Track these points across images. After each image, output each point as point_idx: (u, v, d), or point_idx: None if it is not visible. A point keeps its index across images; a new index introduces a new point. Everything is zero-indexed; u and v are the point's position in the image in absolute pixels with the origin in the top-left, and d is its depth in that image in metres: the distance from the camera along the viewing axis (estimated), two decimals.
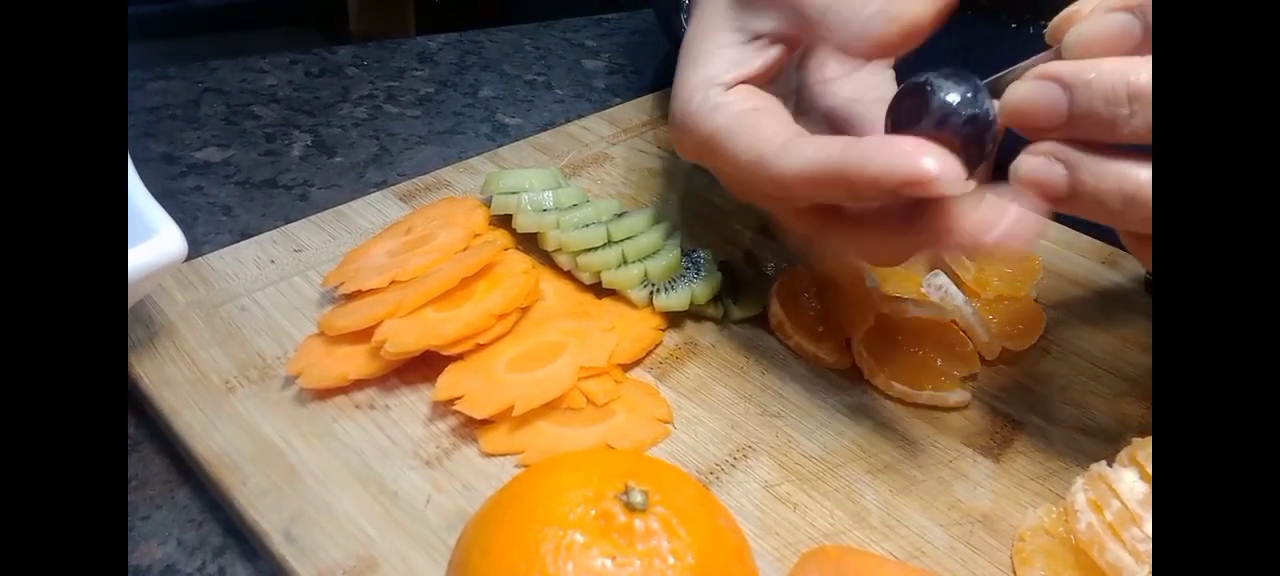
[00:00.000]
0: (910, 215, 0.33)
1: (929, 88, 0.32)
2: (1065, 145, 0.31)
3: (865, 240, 0.35)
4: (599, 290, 0.45)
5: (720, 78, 0.37)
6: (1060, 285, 0.50)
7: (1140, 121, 0.29)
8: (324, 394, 0.38)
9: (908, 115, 0.32)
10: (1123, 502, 0.33)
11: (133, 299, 0.36)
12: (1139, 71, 0.29)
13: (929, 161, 0.30)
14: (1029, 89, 0.31)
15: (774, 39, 0.37)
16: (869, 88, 0.41)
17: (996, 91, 0.32)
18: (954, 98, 0.31)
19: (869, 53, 0.34)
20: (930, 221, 0.33)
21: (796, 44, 0.38)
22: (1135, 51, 0.29)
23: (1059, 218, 0.55)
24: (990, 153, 0.32)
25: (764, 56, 0.38)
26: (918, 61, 0.34)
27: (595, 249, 0.45)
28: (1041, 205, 0.32)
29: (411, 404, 0.39)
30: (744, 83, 0.37)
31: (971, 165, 0.32)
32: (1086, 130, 0.30)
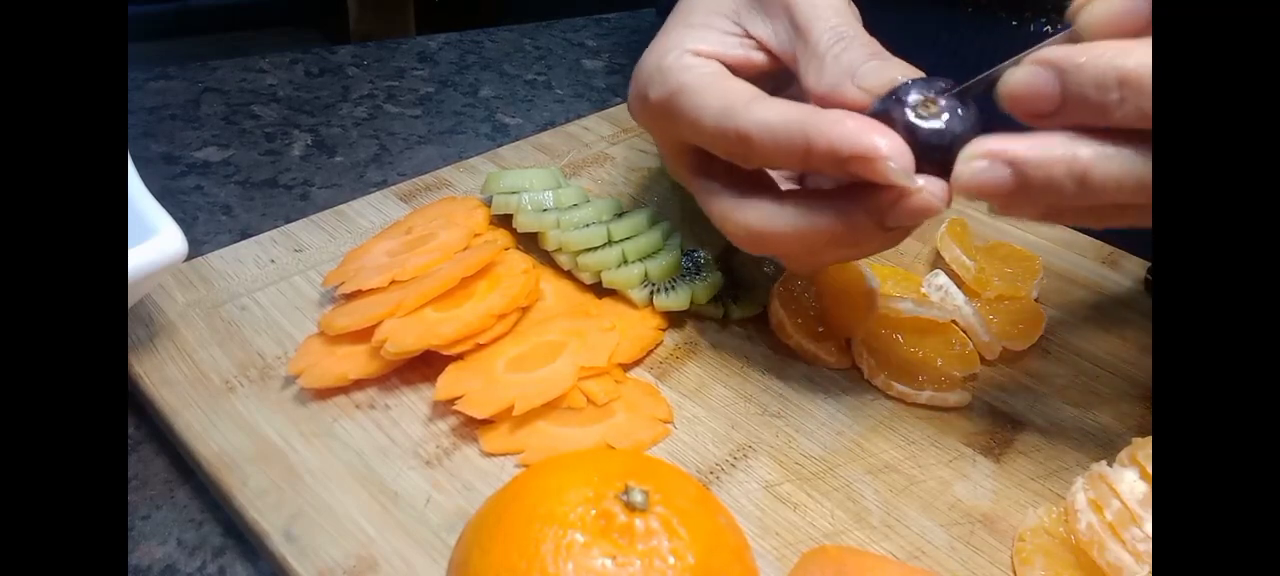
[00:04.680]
0: (844, 202, 0.34)
1: (900, 102, 0.32)
2: (1004, 139, 0.31)
3: (788, 223, 0.35)
4: (599, 290, 0.45)
5: (694, 46, 0.38)
6: (1060, 285, 0.50)
7: (1131, 107, 0.28)
8: (324, 394, 0.38)
9: (893, 113, 0.33)
10: (1123, 502, 0.33)
11: (133, 299, 0.36)
12: (1128, 56, 0.28)
13: (881, 141, 0.31)
14: (1024, 74, 0.31)
15: (763, 47, 0.38)
16: None
17: (990, 85, 0.32)
18: (923, 113, 0.32)
19: (836, 108, 0.34)
20: (859, 215, 0.33)
21: (779, 65, 0.38)
22: (1143, 33, 0.29)
23: None
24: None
25: (746, 54, 0.38)
26: (918, 62, 0.34)
27: (595, 249, 0.45)
28: (1002, 207, 0.32)
29: (411, 404, 0.39)
30: (717, 60, 0.38)
31: (938, 170, 0.32)
32: (1079, 115, 0.30)
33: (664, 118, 0.38)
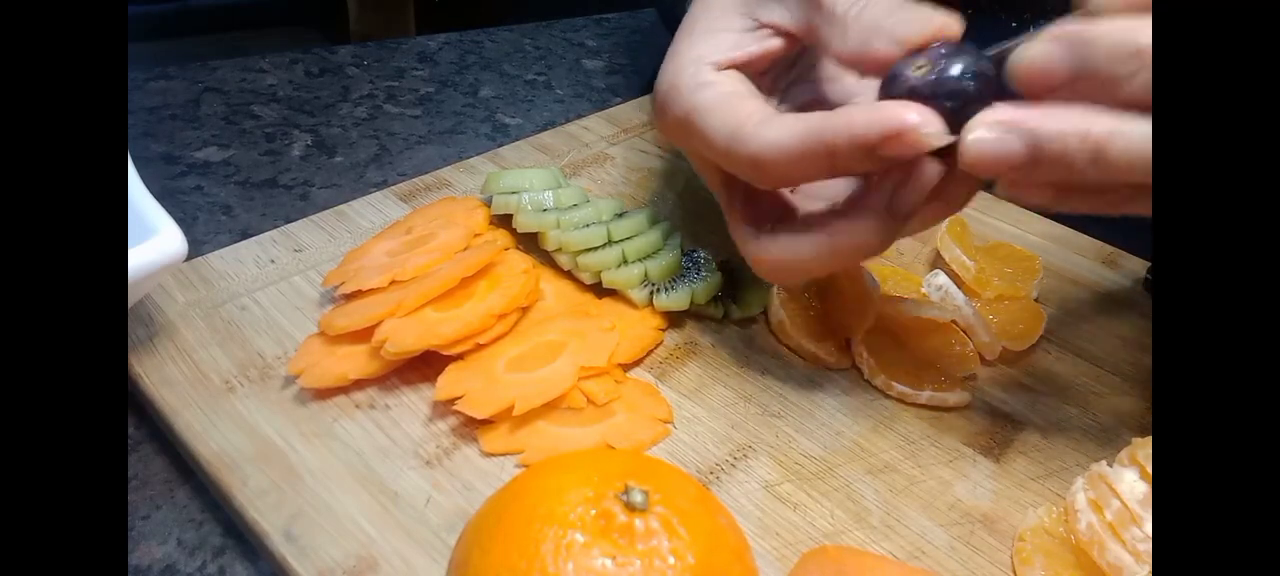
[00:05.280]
0: (858, 211, 0.34)
1: (920, 62, 0.32)
2: (1014, 108, 0.30)
3: (809, 251, 0.35)
4: (599, 290, 0.45)
5: (711, 57, 0.37)
6: (1060, 285, 0.50)
7: (1140, 81, 0.28)
8: (324, 394, 0.38)
9: (895, 86, 0.32)
10: (1123, 502, 0.33)
11: (133, 299, 0.36)
12: (1144, 31, 0.28)
13: (911, 115, 0.30)
14: (1038, 48, 0.30)
15: (778, 31, 0.37)
16: (859, 92, 0.41)
17: (1000, 64, 0.31)
18: (940, 68, 0.31)
19: (869, 68, 0.34)
20: (875, 214, 0.33)
21: (796, 43, 0.38)
22: None
23: (1059, 217, 0.55)
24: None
25: (763, 45, 0.38)
26: None
27: (595, 249, 0.45)
28: (1001, 180, 0.31)
29: (411, 404, 0.39)
30: (735, 67, 0.37)
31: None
32: (1089, 90, 0.29)
33: (683, 135, 0.38)
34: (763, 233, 0.37)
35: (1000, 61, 0.31)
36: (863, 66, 0.34)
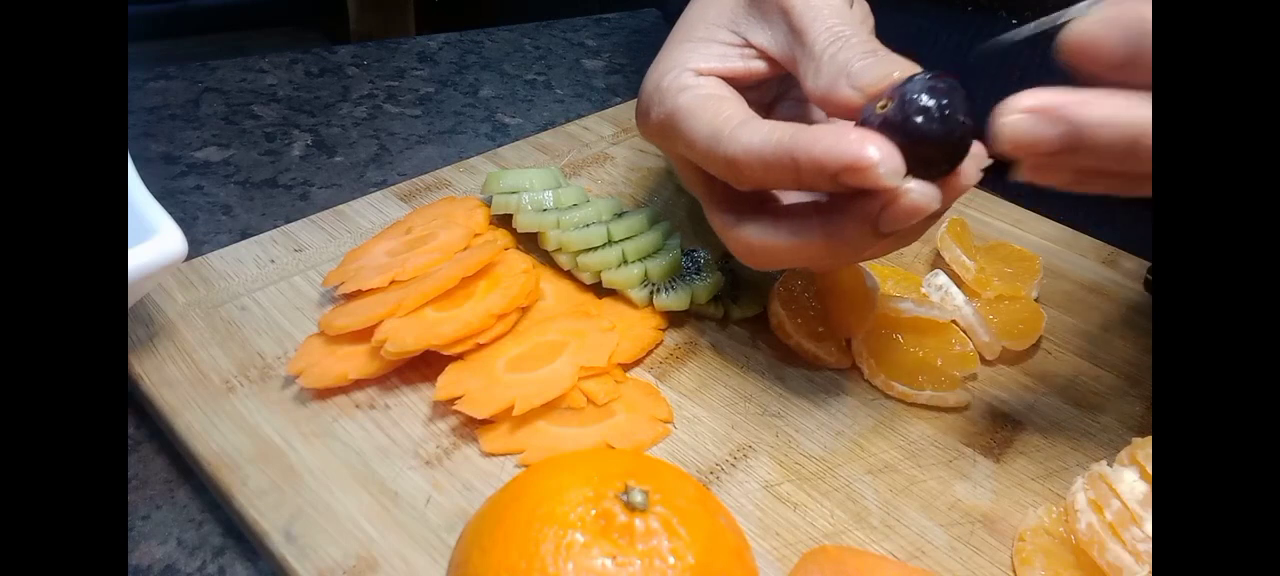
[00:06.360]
0: (838, 214, 0.34)
1: (889, 104, 0.32)
2: (1056, 94, 0.29)
3: (784, 239, 0.35)
4: (599, 290, 0.45)
5: (694, 65, 0.38)
6: (1060, 285, 0.50)
7: None
8: (324, 394, 0.38)
9: (872, 117, 0.32)
10: (1123, 502, 0.33)
11: (133, 299, 0.36)
12: None
13: (872, 149, 0.31)
14: (1094, 26, 0.29)
15: (763, 54, 0.38)
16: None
17: (999, 49, 0.31)
18: (900, 103, 0.31)
19: (833, 110, 0.34)
20: (850, 225, 0.33)
21: (780, 70, 0.38)
22: None
23: (1059, 216, 0.55)
24: (958, 160, 0.32)
25: (747, 65, 0.38)
26: (917, 61, 0.34)
27: (595, 249, 0.45)
28: (1033, 168, 0.31)
29: (411, 404, 0.39)
30: (717, 77, 0.38)
31: (932, 170, 0.32)
32: (1133, 76, 0.29)
33: (664, 137, 0.39)
34: (743, 218, 0.37)
35: (1050, 35, 0.31)
36: (828, 108, 0.35)
